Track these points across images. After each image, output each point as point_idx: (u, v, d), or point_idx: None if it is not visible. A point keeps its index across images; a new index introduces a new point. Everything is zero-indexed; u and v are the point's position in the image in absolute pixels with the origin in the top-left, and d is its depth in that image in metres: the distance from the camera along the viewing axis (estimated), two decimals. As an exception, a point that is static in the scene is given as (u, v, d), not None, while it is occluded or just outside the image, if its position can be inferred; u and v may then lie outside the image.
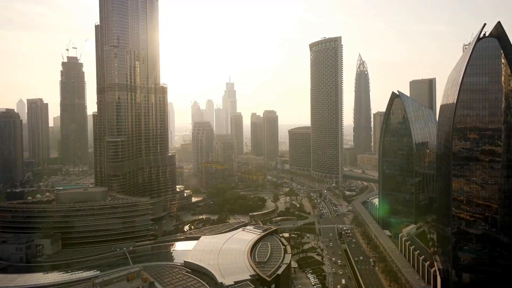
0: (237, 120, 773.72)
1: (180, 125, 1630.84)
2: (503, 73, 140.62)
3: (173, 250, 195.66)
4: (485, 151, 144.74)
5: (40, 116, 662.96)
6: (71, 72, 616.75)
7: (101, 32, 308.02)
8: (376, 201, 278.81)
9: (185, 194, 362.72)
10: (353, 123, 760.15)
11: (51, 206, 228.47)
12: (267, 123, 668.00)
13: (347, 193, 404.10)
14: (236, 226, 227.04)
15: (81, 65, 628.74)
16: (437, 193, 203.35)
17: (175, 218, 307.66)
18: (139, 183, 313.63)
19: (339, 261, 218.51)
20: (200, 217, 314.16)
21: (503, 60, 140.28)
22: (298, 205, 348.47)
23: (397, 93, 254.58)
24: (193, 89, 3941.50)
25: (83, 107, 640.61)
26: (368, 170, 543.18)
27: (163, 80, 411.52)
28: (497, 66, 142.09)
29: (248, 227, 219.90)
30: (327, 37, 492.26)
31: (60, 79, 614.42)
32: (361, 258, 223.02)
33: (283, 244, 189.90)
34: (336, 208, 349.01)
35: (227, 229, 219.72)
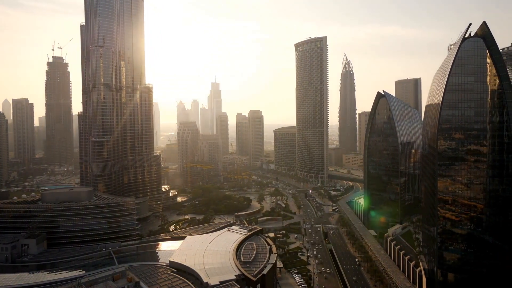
0: (222, 120, 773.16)
1: (166, 125, 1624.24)
2: (489, 73, 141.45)
3: (159, 250, 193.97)
4: (471, 151, 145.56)
5: (26, 116, 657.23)
6: (56, 72, 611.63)
7: (86, 32, 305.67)
8: (361, 201, 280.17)
9: (170, 194, 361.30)
10: (338, 123, 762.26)
11: (36, 206, 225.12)
12: (252, 123, 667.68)
13: (333, 193, 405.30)
14: (221, 226, 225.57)
15: (66, 65, 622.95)
16: (422, 193, 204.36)
17: (160, 218, 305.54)
18: (125, 183, 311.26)
19: (324, 261, 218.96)
20: (186, 217, 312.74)
21: (488, 60, 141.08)
22: (283, 205, 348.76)
23: (382, 93, 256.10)
24: (179, 89, 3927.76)
25: (68, 107, 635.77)
26: (353, 170, 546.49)
27: (149, 80, 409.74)
28: (482, 66, 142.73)
29: (233, 227, 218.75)
30: (312, 37, 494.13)
31: (45, 79, 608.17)
32: (347, 258, 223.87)
33: (268, 244, 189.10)
34: (322, 208, 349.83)
35: (213, 229, 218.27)
